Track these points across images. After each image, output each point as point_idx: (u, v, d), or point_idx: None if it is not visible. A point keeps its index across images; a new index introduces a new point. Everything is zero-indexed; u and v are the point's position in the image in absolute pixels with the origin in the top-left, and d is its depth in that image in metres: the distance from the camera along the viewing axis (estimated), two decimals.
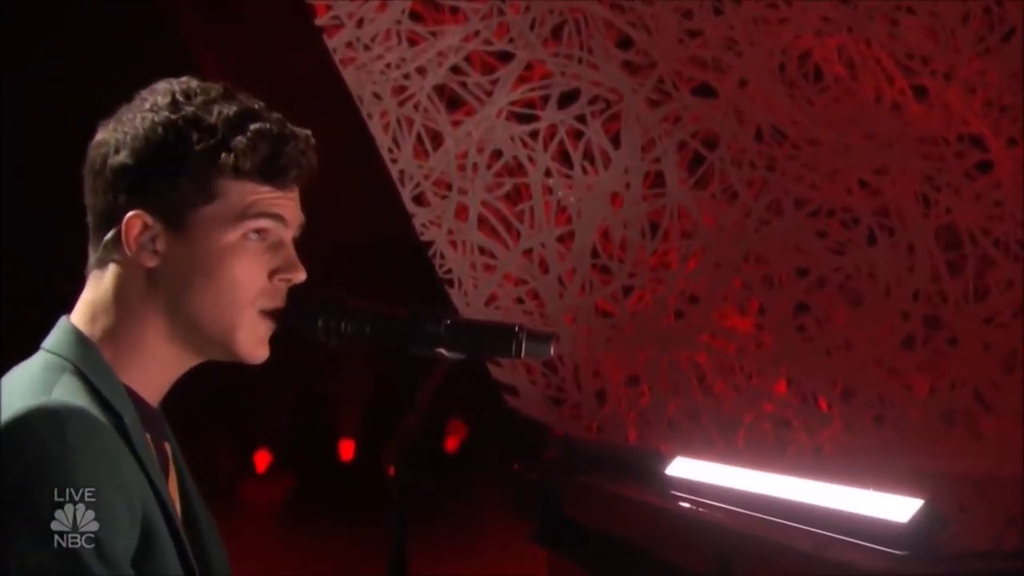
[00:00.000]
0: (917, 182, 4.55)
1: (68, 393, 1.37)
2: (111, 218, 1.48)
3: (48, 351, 1.45)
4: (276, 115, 1.51)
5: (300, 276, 1.52)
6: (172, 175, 1.46)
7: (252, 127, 1.48)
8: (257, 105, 1.51)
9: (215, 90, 1.50)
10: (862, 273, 4.53)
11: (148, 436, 1.45)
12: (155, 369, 1.48)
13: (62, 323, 1.49)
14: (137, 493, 1.36)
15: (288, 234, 1.52)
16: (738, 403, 4.59)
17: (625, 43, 4.61)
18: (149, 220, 1.46)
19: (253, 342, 1.50)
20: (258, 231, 1.49)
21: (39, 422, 1.31)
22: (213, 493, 1.63)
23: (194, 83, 1.51)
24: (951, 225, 4.59)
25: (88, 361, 1.43)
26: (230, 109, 1.48)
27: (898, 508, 2.19)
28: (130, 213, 1.46)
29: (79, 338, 1.46)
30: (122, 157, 1.45)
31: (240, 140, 1.47)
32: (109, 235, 1.48)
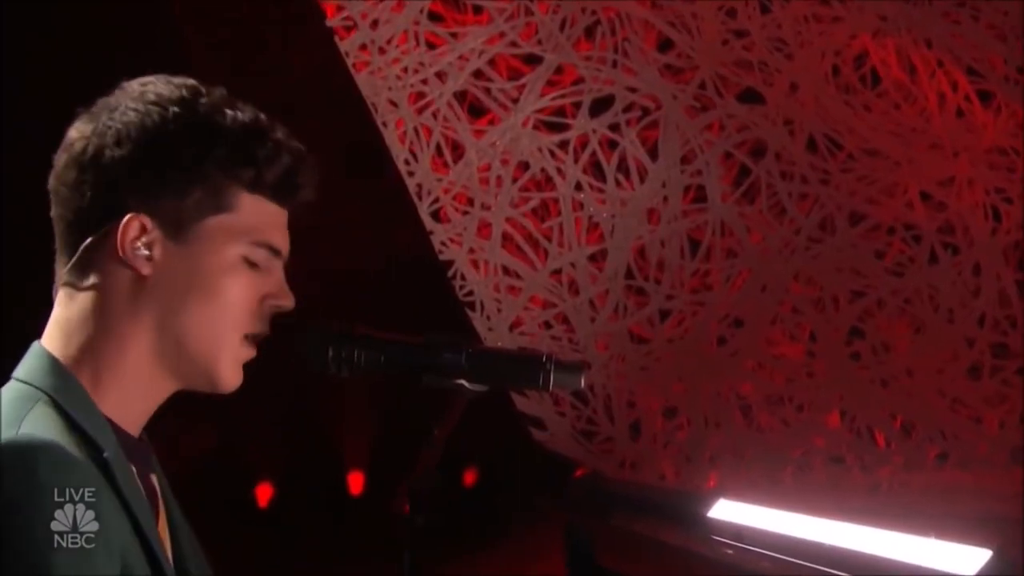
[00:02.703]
0: (984, 195, 4.53)
1: (39, 426, 1.35)
2: (98, 219, 1.43)
3: (20, 380, 1.43)
4: (283, 128, 1.51)
5: (289, 303, 1.52)
6: (184, 179, 1.44)
7: (271, 138, 1.48)
8: (263, 115, 1.50)
9: (219, 92, 1.48)
10: (922, 296, 4.51)
11: (133, 469, 1.44)
12: (136, 394, 1.47)
13: (34, 349, 1.46)
14: (116, 537, 1.34)
15: (280, 262, 1.53)
16: (787, 437, 4.57)
17: (664, 45, 4.62)
18: (148, 224, 1.43)
19: (233, 367, 1.50)
20: (255, 260, 1.48)
21: (7, 459, 1.30)
22: (208, 530, 1.63)
23: (193, 81, 1.48)
24: (1021, 242, 4.56)
25: (64, 391, 1.40)
26: (245, 116, 1.47)
27: (963, 559, 2.16)
28: (128, 215, 1.42)
29: (53, 365, 1.43)
30: (124, 151, 1.42)
31: (262, 152, 1.47)
32: (93, 238, 1.44)
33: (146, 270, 1.44)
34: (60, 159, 1.46)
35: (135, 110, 1.44)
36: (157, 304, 1.45)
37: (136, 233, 1.43)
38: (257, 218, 1.48)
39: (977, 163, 4.53)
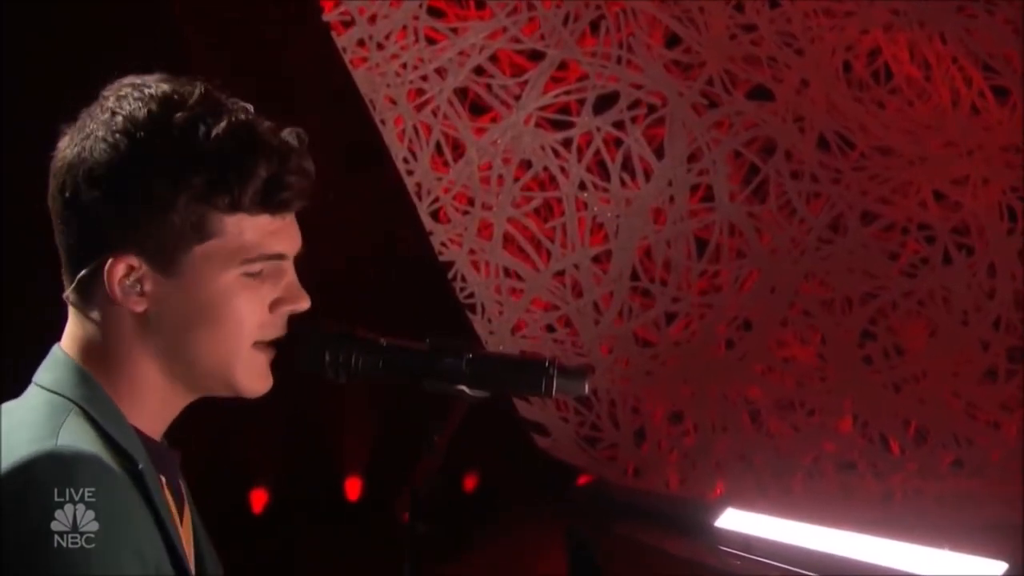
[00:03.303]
0: (1000, 194, 4.52)
1: (77, 438, 1.37)
2: (86, 254, 1.45)
3: (48, 389, 1.45)
4: (267, 124, 1.48)
5: (304, 304, 1.52)
6: (161, 213, 1.43)
7: (249, 152, 1.45)
8: (244, 114, 1.47)
9: (194, 96, 1.46)
10: (936, 298, 4.50)
11: (163, 479, 1.47)
12: (157, 406, 1.49)
13: (59, 357, 1.48)
14: (151, 550, 1.37)
15: (289, 263, 1.52)
16: (796, 443, 4.56)
17: (670, 40, 4.61)
18: (135, 262, 1.44)
19: (253, 376, 1.51)
20: (255, 272, 1.48)
21: (46, 470, 1.33)
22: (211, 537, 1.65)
23: (166, 87, 1.46)
24: None
25: (93, 401, 1.43)
26: (219, 127, 1.44)
27: (979, 571, 2.16)
28: (112, 258, 1.44)
29: (81, 375, 1.45)
30: (98, 192, 1.43)
31: (238, 174, 1.44)
32: (86, 271, 1.45)
33: (140, 307, 1.46)
34: (51, 183, 1.48)
35: (104, 141, 1.43)
36: (161, 335, 1.47)
37: (123, 273, 1.44)
38: (247, 236, 1.47)
39: (993, 161, 4.52)
